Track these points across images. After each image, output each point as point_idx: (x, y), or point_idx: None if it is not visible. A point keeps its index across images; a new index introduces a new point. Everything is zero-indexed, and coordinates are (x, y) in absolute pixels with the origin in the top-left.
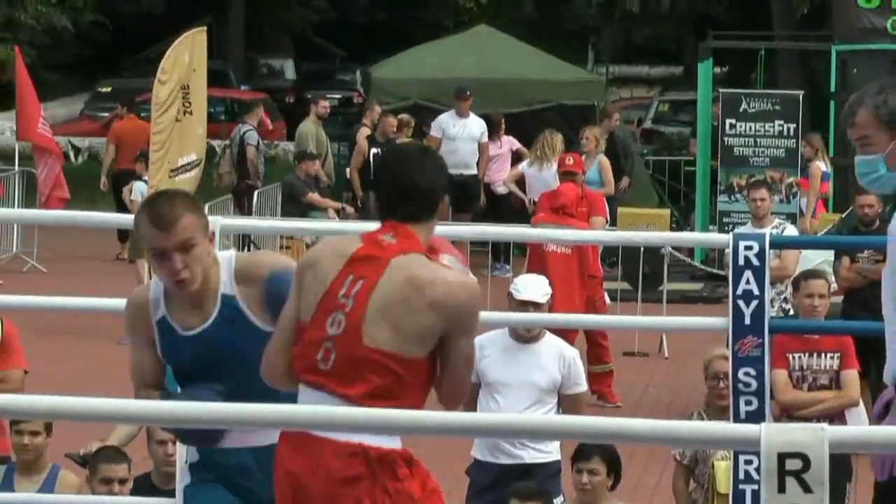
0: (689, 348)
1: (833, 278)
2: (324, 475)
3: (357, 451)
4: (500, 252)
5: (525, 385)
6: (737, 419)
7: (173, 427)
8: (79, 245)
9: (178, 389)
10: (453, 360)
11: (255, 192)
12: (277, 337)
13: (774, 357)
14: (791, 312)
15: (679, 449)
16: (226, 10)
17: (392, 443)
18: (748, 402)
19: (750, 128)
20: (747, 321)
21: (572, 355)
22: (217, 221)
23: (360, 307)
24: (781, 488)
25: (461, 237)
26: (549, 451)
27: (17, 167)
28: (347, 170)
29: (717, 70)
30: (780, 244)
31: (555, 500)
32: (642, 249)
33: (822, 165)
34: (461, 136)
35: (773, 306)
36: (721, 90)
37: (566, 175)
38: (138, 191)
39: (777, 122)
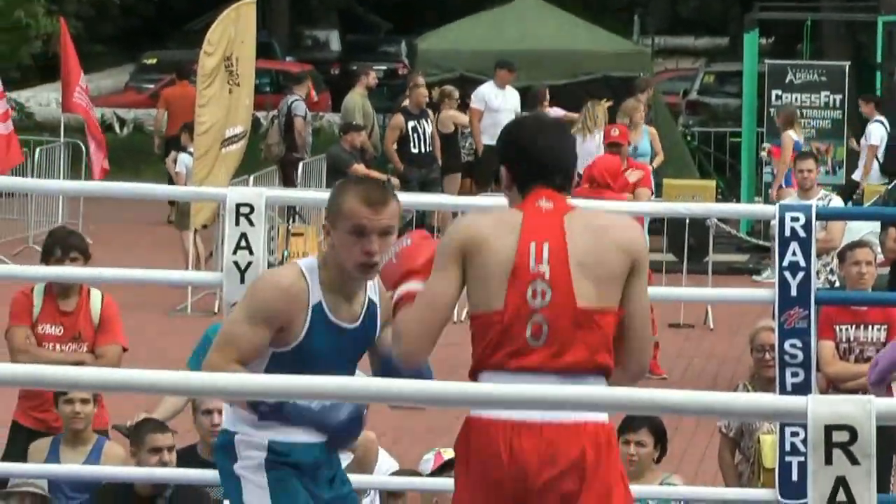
0: (734, 320)
1: (879, 249)
2: (560, 458)
3: (582, 429)
4: None
5: None
6: (783, 391)
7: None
8: (125, 216)
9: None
10: (638, 304)
11: (301, 164)
12: (428, 314)
13: (821, 329)
14: (837, 284)
15: (725, 421)
16: None
17: (605, 417)
18: (794, 374)
19: (796, 99)
20: (794, 293)
21: None
22: (263, 193)
23: (562, 269)
24: (828, 460)
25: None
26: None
27: (62, 138)
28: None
29: (763, 41)
30: (826, 215)
31: None
32: (687, 221)
33: (793, 135)
34: (504, 107)
35: (818, 278)
36: (767, 61)
37: (610, 146)
38: (182, 162)
39: (823, 94)
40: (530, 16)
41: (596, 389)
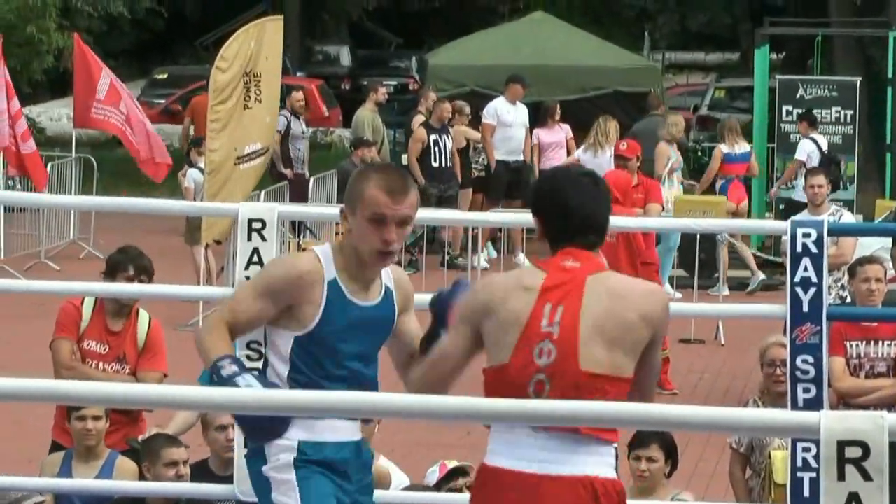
0: (745, 335)
1: (890, 264)
2: None
3: (586, 483)
4: None
5: None
6: (794, 407)
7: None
8: (137, 231)
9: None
10: (649, 372)
11: (311, 179)
12: (438, 368)
13: (832, 344)
14: (848, 300)
15: (736, 437)
16: None
17: (613, 472)
18: (806, 390)
19: None
20: (805, 308)
21: None
22: (275, 208)
23: (572, 331)
24: (841, 476)
25: (518, 224)
26: None
27: (73, 153)
28: (403, 156)
29: (774, 56)
30: (837, 231)
31: None
32: (698, 236)
33: (724, 148)
34: (515, 122)
35: (829, 293)
36: (778, 76)
37: (619, 161)
38: (191, 178)
39: (834, 109)
40: (541, 31)
41: (606, 405)
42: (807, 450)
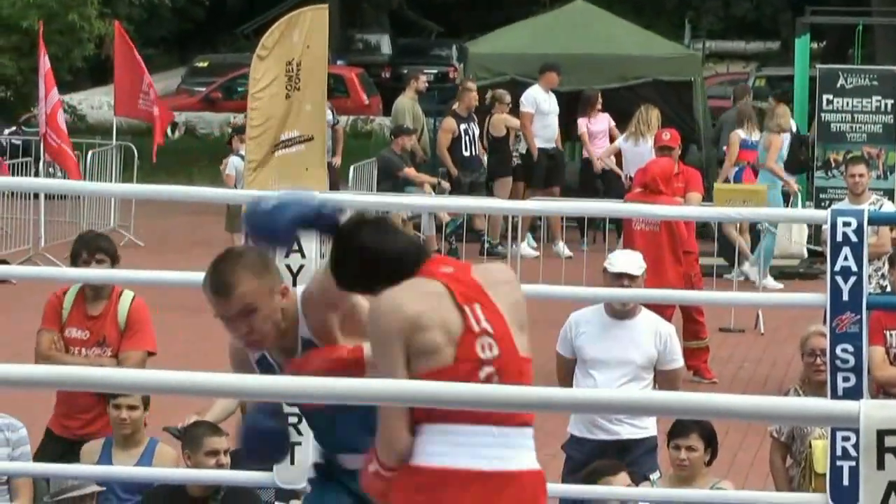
0: (785, 324)
1: None
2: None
3: (539, 477)
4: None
5: (621, 361)
6: (834, 395)
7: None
8: (176, 219)
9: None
10: None
11: (352, 167)
12: (395, 419)
13: (872, 334)
14: (888, 289)
15: (777, 425)
16: None
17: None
18: (846, 379)
19: (847, 103)
20: (845, 297)
21: (668, 331)
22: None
23: (503, 324)
24: (881, 465)
25: (555, 212)
26: (646, 427)
27: (114, 141)
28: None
29: (815, 45)
30: (878, 220)
31: (651, 476)
32: (738, 226)
33: (741, 133)
34: (552, 109)
35: (870, 283)
36: (818, 66)
37: (661, 150)
38: (232, 165)
39: (874, 98)
40: (581, 20)
41: (648, 394)
42: (846, 439)
